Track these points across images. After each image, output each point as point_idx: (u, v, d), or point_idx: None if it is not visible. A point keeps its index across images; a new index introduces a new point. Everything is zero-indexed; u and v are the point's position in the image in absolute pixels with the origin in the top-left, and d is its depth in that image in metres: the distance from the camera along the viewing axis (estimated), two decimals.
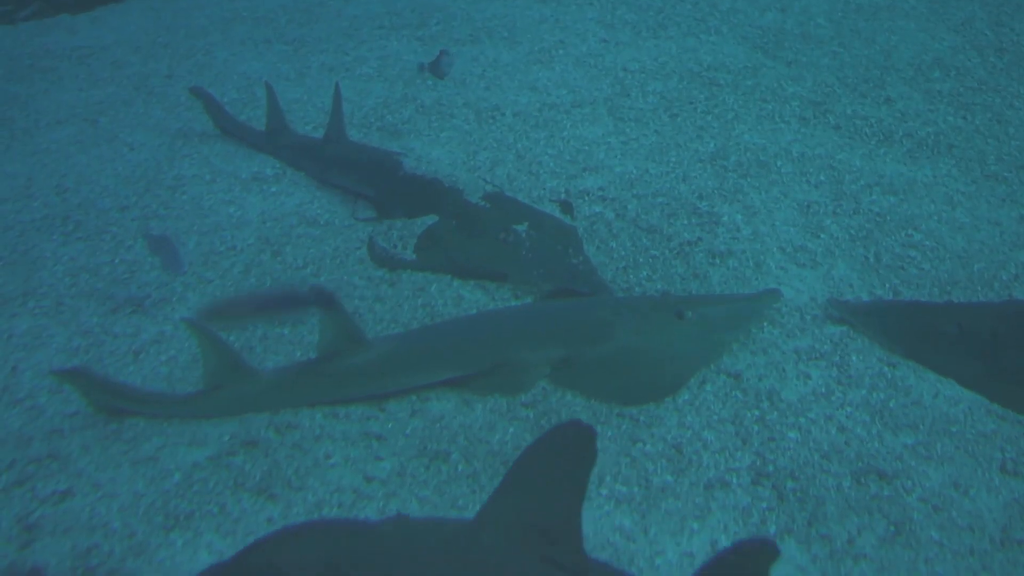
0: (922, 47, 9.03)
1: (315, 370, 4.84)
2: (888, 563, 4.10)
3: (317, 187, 6.85)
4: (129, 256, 6.06)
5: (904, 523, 4.28)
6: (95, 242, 6.19)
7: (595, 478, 4.43)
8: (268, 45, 9.21)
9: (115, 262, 5.99)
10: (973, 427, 4.85)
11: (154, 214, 6.50)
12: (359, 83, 8.38)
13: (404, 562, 2.99)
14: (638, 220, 6.43)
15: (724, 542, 4.15)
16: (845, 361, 5.25)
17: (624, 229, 6.34)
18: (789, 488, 4.45)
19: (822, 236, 6.34)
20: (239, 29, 9.56)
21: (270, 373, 4.90)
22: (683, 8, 9.93)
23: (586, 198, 6.66)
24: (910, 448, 4.71)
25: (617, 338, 5.11)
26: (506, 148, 7.35)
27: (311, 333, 5.23)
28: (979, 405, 4.99)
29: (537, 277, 5.70)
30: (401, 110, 7.91)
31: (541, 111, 7.90)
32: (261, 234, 6.29)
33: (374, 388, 4.86)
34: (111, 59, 8.92)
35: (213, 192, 6.78)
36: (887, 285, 5.91)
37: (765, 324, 5.48)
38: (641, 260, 6.05)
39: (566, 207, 6.33)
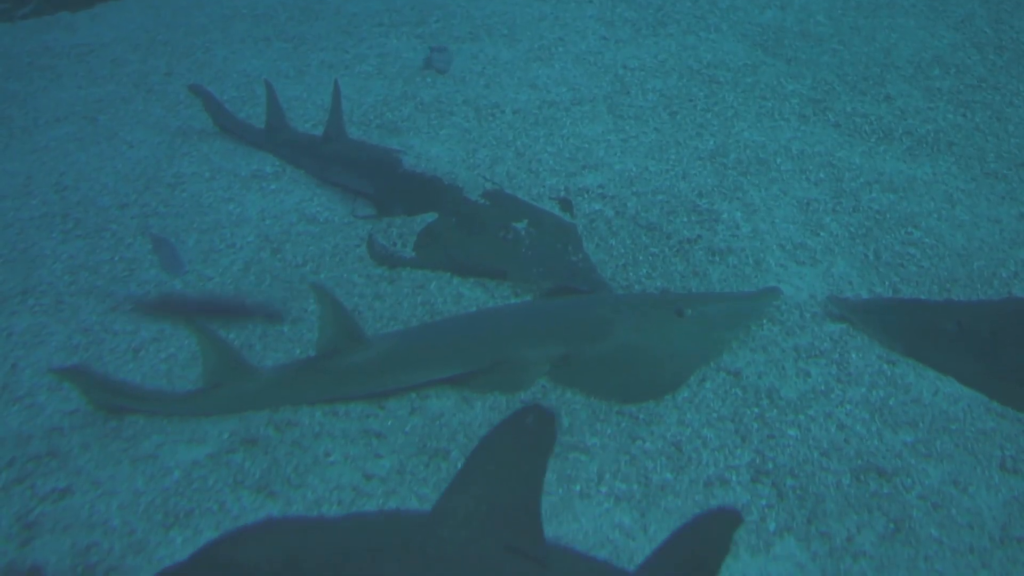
0: (922, 45, 9.03)
1: (315, 368, 4.84)
2: (888, 561, 4.10)
3: (316, 185, 6.85)
4: (129, 254, 6.05)
5: (904, 521, 4.28)
6: (94, 240, 6.19)
7: (595, 476, 4.44)
8: (268, 43, 9.20)
9: (115, 260, 5.99)
10: (973, 425, 4.85)
11: (153, 212, 6.49)
12: (358, 81, 8.38)
13: (361, 557, 2.99)
14: (638, 218, 6.43)
15: None
16: (845, 359, 5.25)
17: (624, 227, 6.33)
18: (789, 486, 4.45)
19: (822, 234, 6.34)
20: (239, 27, 9.56)
21: (269, 371, 4.90)
22: (683, 6, 9.92)
23: (586, 196, 6.66)
24: (910, 446, 4.71)
25: (617, 336, 5.11)
26: (506, 146, 7.35)
27: (310, 331, 5.23)
28: (979, 403, 4.99)
29: (536, 275, 5.70)
30: (400, 108, 7.90)
31: (541, 109, 7.90)
32: (260, 232, 6.29)
33: (373, 386, 4.86)
34: (110, 57, 8.91)
35: (212, 190, 6.77)
36: (887, 283, 5.91)
37: (765, 322, 5.48)
38: (641, 258, 6.04)
39: (566, 205, 6.33)
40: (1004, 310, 5.43)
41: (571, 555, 3.52)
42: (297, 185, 6.86)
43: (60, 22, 9.71)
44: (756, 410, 4.90)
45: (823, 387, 5.07)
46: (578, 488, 4.39)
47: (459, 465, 4.44)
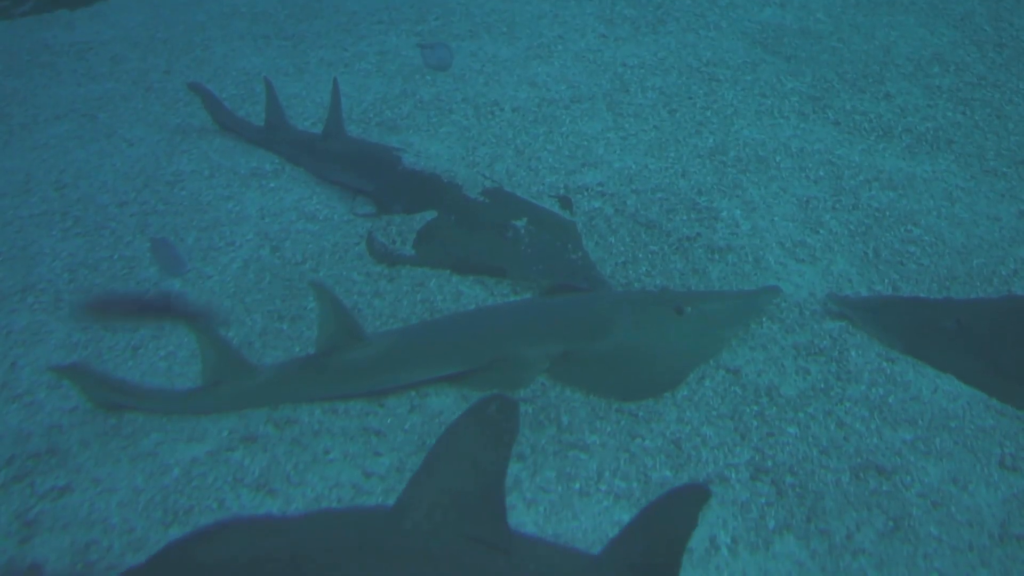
0: (921, 42, 9.02)
1: (314, 366, 4.84)
2: (887, 558, 4.10)
3: (316, 182, 6.84)
4: (128, 252, 6.06)
5: (903, 518, 4.28)
6: (94, 238, 6.19)
7: (594, 474, 4.45)
8: (267, 41, 9.20)
9: (114, 258, 5.99)
10: (972, 422, 4.85)
11: (153, 210, 6.49)
12: (358, 78, 8.38)
13: (323, 554, 3.00)
14: (637, 215, 6.43)
15: (723, 537, 4.16)
16: (844, 356, 5.25)
17: (623, 224, 6.33)
18: (788, 483, 4.45)
19: (821, 231, 6.34)
20: (238, 25, 9.55)
21: (269, 369, 4.90)
22: (682, 3, 9.92)
23: (585, 193, 6.66)
24: (909, 443, 4.71)
25: (616, 334, 5.10)
26: (505, 143, 7.35)
27: (310, 329, 5.23)
28: (978, 400, 4.99)
29: (536, 272, 5.70)
30: (400, 105, 7.90)
31: (540, 106, 7.89)
32: (260, 229, 6.29)
33: (373, 384, 4.86)
34: (110, 54, 8.91)
35: (212, 187, 6.77)
36: (886, 280, 5.91)
37: (764, 319, 5.48)
38: (640, 255, 6.04)
39: (565, 202, 6.34)
40: (1004, 308, 5.43)
41: (534, 542, 3.54)
42: (296, 183, 6.86)
43: (59, 19, 9.71)
44: (755, 408, 4.90)
45: (822, 385, 5.07)
46: (577, 486, 4.39)
47: None
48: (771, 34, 9.20)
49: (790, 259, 6.07)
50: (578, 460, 4.53)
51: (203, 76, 8.30)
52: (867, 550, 4.13)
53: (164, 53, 8.93)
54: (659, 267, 5.95)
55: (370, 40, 9.15)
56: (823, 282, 5.86)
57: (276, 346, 5.28)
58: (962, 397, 5.01)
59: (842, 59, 8.73)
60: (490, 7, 9.78)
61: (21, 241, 6.14)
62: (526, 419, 4.76)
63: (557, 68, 8.56)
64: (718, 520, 4.24)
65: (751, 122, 7.71)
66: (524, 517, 4.21)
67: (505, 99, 7.99)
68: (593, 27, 9.36)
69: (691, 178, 6.91)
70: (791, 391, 5.02)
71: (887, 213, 6.54)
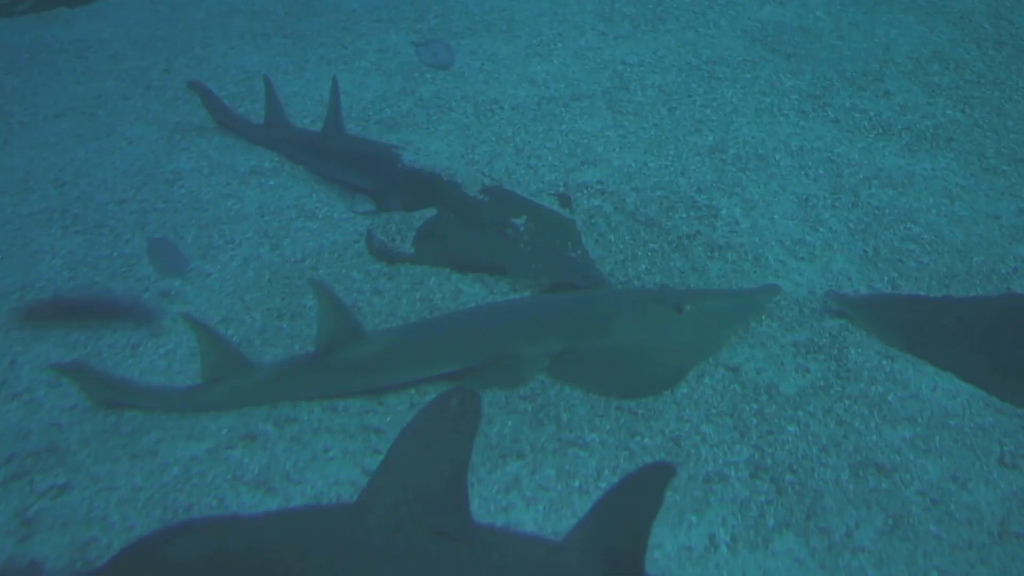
0: (921, 40, 9.02)
1: (314, 364, 4.84)
2: (886, 556, 4.10)
3: (315, 180, 6.84)
4: (127, 250, 6.05)
5: (902, 516, 4.29)
6: (93, 236, 6.19)
7: (594, 472, 4.45)
8: (266, 39, 9.19)
9: (113, 256, 5.99)
10: (971, 420, 4.85)
11: (152, 208, 6.49)
12: (357, 76, 8.37)
13: (288, 551, 3.01)
14: (637, 213, 6.43)
15: (722, 535, 4.16)
16: (843, 354, 5.25)
17: (623, 222, 6.33)
18: (787, 481, 4.45)
19: (821, 229, 6.34)
20: (237, 23, 9.54)
21: (268, 367, 4.90)
22: (682, 1, 9.90)
23: (585, 191, 6.65)
24: (908, 441, 4.71)
25: (615, 332, 5.11)
26: (505, 141, 7.34)
27: (309, 327, 5.23)
28: (977, 398, 5.00)
29: (536, 270, 5.70)
30: (399, 103, 7.90)
31: (540, 104, 7.89)
32: (259, 227, 6.29)
33: (372, 382, 4.86)
34: (109, 53, 8.90)
35: (211, 185, 6.77)
36: (886, 278, 5.91)
37: (763, 317, 5.48)
38: (640, 253, 6.04)
39: (565, 200, 6.33)
40: (1003, 306, 5.44)
41: (497, 532, 3.56)
42: (296, 181, 6.85)
43: (59, 18, 9.69)
44: (755, 406, 4.90)
45: (822, 383, 5.07)
46: (577, 484, 4.39)
47: None
48: (771, 32, 9.19)
49: (789, 257, 6.07)
50: (578, 458, 4.54)
51: (203, 74, 8.30)
52: (866, 548, 4.13)
53: (164, 51, 8.92)
54: (659, 265, 5.95)
55: (369, 38, 9.14)
56: (822, 280, 5.86)
57: (275, 344, 5.27)
58: (961, 395, 5.01)
59: (842, 57, 8.73)
60: (489, 5, 9.77)
61: (20, 239, 6.14)
62: (525, 417, 4.77)
63: (557, 66, 8.56)
64: (717, 518, 4.25)
65: (751, 120, 7.71)
66: (524, 515, 4.22)
67: (505, 97, 7.99)
68: (593, 25, 9.35)
69: (691, 176, 6.91)
70: (790, 389, 5.02)
71: (887, 211, 6.55)
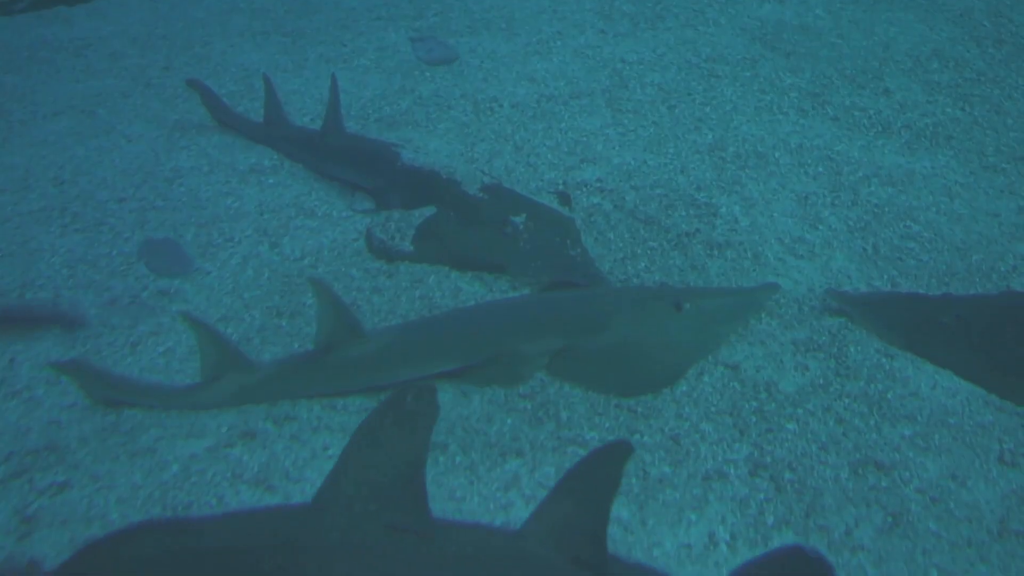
0: (921, 38, 9.02)
1: (313, 362, 4.84)
2: (886, 554, 4.10)
3: (315, 179, 6.84)
4: (127, 248, 6.05)
5: (902, 514, 4.29)
6: (93, 234, 6.19)
7: None
8: (266, 36, 9.19)
9: (113, 254, 5.99)
10: (971, 418, 4.85)
11: (151, 206, 6.49)
12: (357, 74, 8.37)
13: (242, 552, 3.02)
14: (636, 211, 6.42)
15: (722, 533, 4.16)
16: (843, 352, 5.25)
17: (622, 220, 6.33)
18: (787, 479, 4.45)
19: (820, 227, 6.34)
20: (237, 21, 9.54)
21: (268, 365, 4.90)
22: None
23: (584, 189, 6.65)
24: (908, 439, 4.71)
25: (615, 329, 5.11)
26: (504, 139, 7.34)
27: (309, 325, 5.23)
28: (977, 396, 5.00)
29: (535, 269, 5.70)
30: (399, 101, 7.89)
31: (539, 102, 7.89)
32: (259, 225, 6.29)
33: (372, 380, 4.86)
34: (109, 51, 8.89)
35: (211, 184, 6.77)
36: (885, 276, 5.91)
37: (763, 315, 5.48)
38: (639, 251, 6.04)
39: (564, 198, 6.33)
40: (1002, 304, 5.44)
41: (457, 526, 3.62)
42: (295, 179, 6.85)
43: (58, 16, 9.69)
44: (754, 404, 4.90)
45: (821, 381, 5.07)
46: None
47: (457, 459, 4.49)
48: (770, 30, 9.19)
49: (789, 255, 6.07)
50: (577, 456, 4.50)
51: (202, 72, 8.29)
52: (866, 546, 4.13)
53: (163, 49, 8.92)
54: (658, 263, 5.95)
55: (369, 36, 9.14)
56: (822, 278, 5.86)
57: (275, 342, 5.28)
58: (961, 393, 5.01)
59: (841, 55, 8.72)
60: (489, 3, 9.76)
61: (20, 237, 6.13)
62: (525, 415, 4.77)
63: (556, 64, 8.56)
64: (717, 516, 4.25)
65: (750, 118, 7.71)
66: (523, 513, 4.20)
67: (504, 95, 7.98)
68: (592, 23, 9.35)
69: (690, 174, 6.91)
70: (790, 387, 5.02)
71: (886, 209, 6.54)
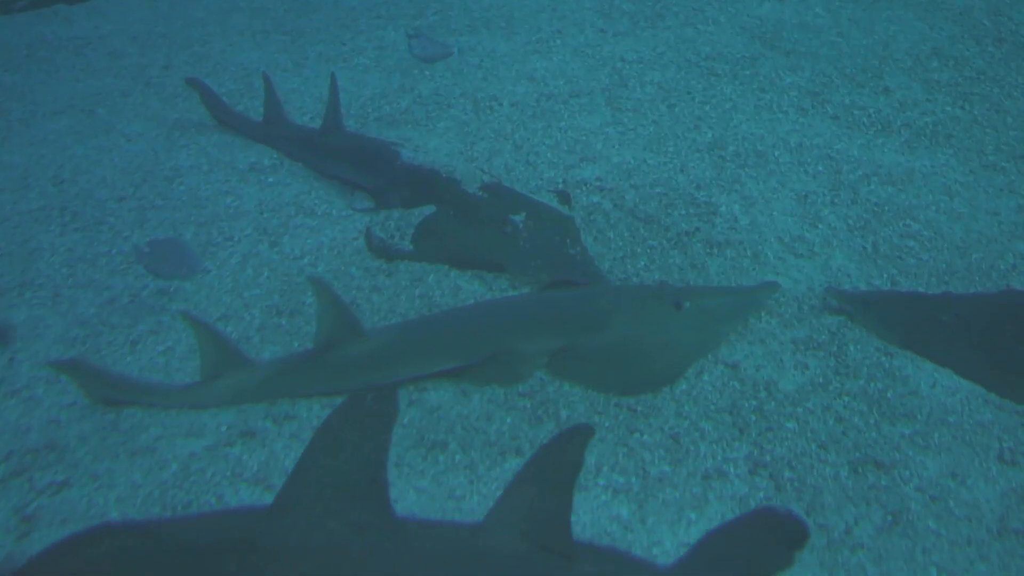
0: (920, 37, 9.01)
1: (313, 361, 4.84)
2: (886, 553, 4.10)
3: (315, 177, 6.84)
4: (126, 247, 6.05)
5: (902, 513, 4.29)
6: (92, 233, 6.19)
7: (592, 468, 4.45)
8: (266, 35, 9.19)
9: (112, 253, 5.99)
10: (971, 417, 4.85)
11: (151, 205, 6.49)
12: (356, 73, 8.37)
13: (201, 555, 3.03)
14: (636, 210, 6.42)
15: None
16: (843, 351, 5.25)
17: (622, 219, 6.33)
18: (786, 478, 4.45)
19: (820, 226, 6.34)
20: (237, 19, 9.54)
21: (267, 364, 4.90)
22: None
23: (584, 188, 6.65)
24: (908, 438, 4.71)
25: (614, 328, 5.11)
26: (504, 138, 7.34)
27: (308, 324, 5.23)
28: (977, 395, 5.00)
29: (535, 267, 5.70)
30: (398, 100, 7.89)
31: (539, 101, 7.88)
32: (258, 224, 6.29)
33: (372, 378, 4.85)
34: (108, 50, 8.89)
35: (210, 182, 6.77)
36: (885, 275, 5.91)
37: (763, 314, 5.48)
38: (639, 250, 6.04)
39: (564, 197, 6.33)
40: (1002, 302, 5.44)
41: (419, 523, 3.63)
42: (295, 178, 6.85)
43: (57, 14, 9.69)
44: (754, 403, 4.90)
45: (821, 379, 5.07)
46: (576, 480, 4.38)
47: (456, 458, 4.49)
48: (770, 29, 9.18)
49: (789, 254, 6.06)
50: None
51: (202, 71, 8.29)
52: (866, 544, 4.13)
53: (163, 48, 8.92)
54: (658, 262, 5.95)
55: (368, 35, 9.14)
56: (822, 277, 5.86)
57: (274, 341, 5.28)
58: (961, 391, 5.01)
59: (841, 54, 8.72)
60: (488, 2, 9.76)
61: (19, 236, 6.14)
62: (524, 414, 4.77)
63: (556, 63, 8.55)
64: (717, 514, 4.25)
65: (750, 117, 7.70)
66: None
67: (503, 94, 7.98)
68: (592, 22, 9.34)
69: (690, 173, 6.90)
70: (789, 386, 5.02)
71: (886, 208, 6.54)
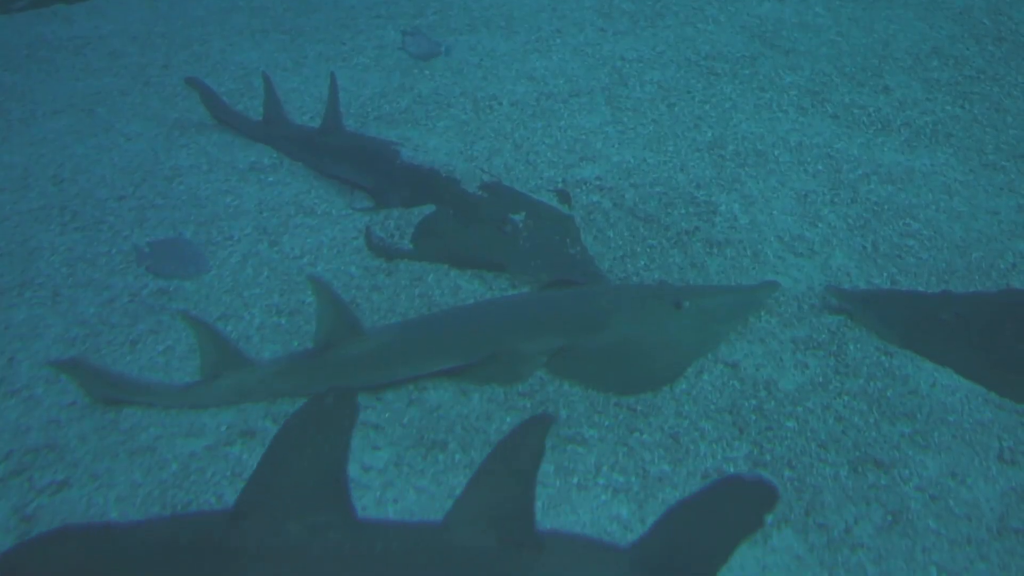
0: (920, 36, 9.01)
1: (312, 360, 4.83)
2: (885, 552, 4.10)
3: (314, 177, 6.84)
4: (126, 246, 6.05)
5: (901, 512, 4.29)
6: (92, 232, 6.19)
7: (592, 468, 4.45)
8: (265, 35, 9.19)
9: (112, 252, 5.99)
10: (970, 416, 4.85)
11: (151, 204, 6.49)
12: (356, 72, 8.37)
13: (158, 558, 3.04)
14: (635, 209, 6.42)
15: None
16: (842, 350, 5.25)
17: (621, 219, 6.33)
18: (786, 477, 4.45)
19: (820, 225, 6.34)
20: (236, 19, 9.54)
21: (267, 363, 4.90)
22: None
23: (583, 187, 6.65)
24: (907, 437, 4.71)
25: (614, 328, 5.11)
26: (503, 138, 7.34)
27: (308, 323, 5.23)
28: (976, 394, 5.00)
29: (534, 267, 5.70)
30: (398, 99, 7.89)
31: (539, 101, 7.88)
32: (258, 224, 6.29)
33: (371, 378, 4.85)
34: (108, 49, 8.90)
35: (210, 182, 6.77)
36: (884, 274, 5.91)
37: (762, 313, 5.48)
38: (639, 250, 6.04)
39: (563, 196, 6.33)
40: (1002, 301, 5.44)
41: (381, 523, 3.68)
42: (295, 177, 6.85)
43: (57, 14, 9.69)
44: (754, 402, 4.90)
45: (821, 379, 5.07)
46: (576, 480, 4.39)
47: (456, 457, 4.49)
48: (770, 28, 9.19)
49: (788, 253, 6.06)
50: (576, 454, 4.54)
51: (201, 71, 8.29)
52: (865, 544, 4.14)
53: (162, 48, 8.92)
54: (657, 261, 5.95)
55: (368, 34, 9.14)
56: (821, 276, 5.86)
57: (274, 340, 5.28)
58: (960, 390, 5.01)
59: (841, 53, 8.72)
60: (488, 1, 9.76)
61: (19, 236, 6.14)
62: (524, 413, 4.77)
63: (555, 62, 8.56)
64: None
65: (750, 116, 7.71)
66: None
67: (503, 93, 7.98)
68: (591, 21, 9.35)
69: (689, 172, 6.90)
70: (789, 385, 5.02)
71: (886, 207, 6.54)
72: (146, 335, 5.30)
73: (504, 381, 4.94)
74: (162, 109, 7.81)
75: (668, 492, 4.35)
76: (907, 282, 5.84)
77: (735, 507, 3.37)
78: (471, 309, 5.40)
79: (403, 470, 4.42)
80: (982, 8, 9.48)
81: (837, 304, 5.53)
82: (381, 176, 6.46)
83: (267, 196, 6.60)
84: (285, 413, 4.68)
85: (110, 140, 7.33)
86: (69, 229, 6.22)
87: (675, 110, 7.78)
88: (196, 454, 4.49)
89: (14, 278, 5.73)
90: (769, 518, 3.67)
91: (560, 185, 6.63)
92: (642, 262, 5.94)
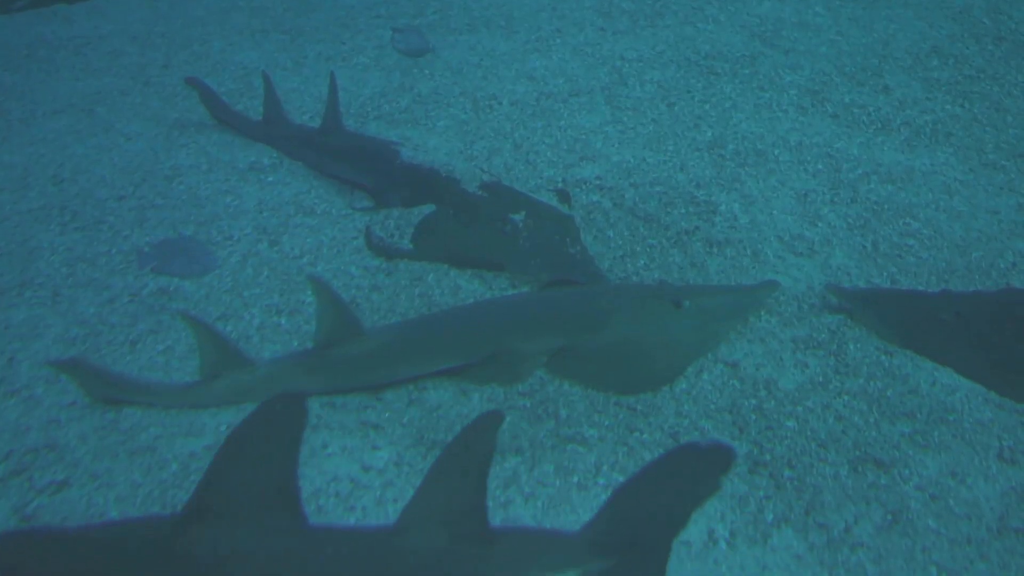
0: (920, 35, 9.01)
1: (312, 360, 4.83)
2: (885, 551, 4.10)
3: (314, 176, 6.84)
4: (126, 246, 6.05)
5: (901, 512, 4.29)
6: (92, 232, 6.18)
7: (592, 467, 4.45)
8: (265, 35, 9.19)
9: (112, 252, 5.98)
10: (970, 415, 4.85)
11: (151, 204, 6.48)
12: (356, 72, 8.37)
13: (108, 564, 3.05)
14: (635, 209, 6.42)
15: (721, 531, 4.16)
16: (842, 350, 5.25)
17: (621, 218, 6.33)
18: (786, 477, 4.45)
19: (820, 225, 6.34)
20: (236, 19, 9.54)
21: (267, 363, 4.89)
22: None
23: (583, 187, 6.65)
24: (907, 437, 4.71)
25: (614, 327, 5.11)
26: (503, 137, 7.34)
27: (308, 323, 5.23)
28: (976, 393, 5.00)
29: (534, 267, 5.70)
30: (398, 99, 7.89)
31: (538, 100, 7.88)
32: (258, 223, 6.28)
33: (371, 378, 4.86)
34: (108, 49, 8.89)
35: (210, 182, 6.77)
36: (884, 274, 5.91)
37: (762, 313, 5.48)
38: (638, 249, 6.04)
39: (563, 196, 6.33)
40: (1002, 301, 5.44)
41: (335, 525, 3.70)
42: (295, 177, 6.85)
43: (57, 14, 9.69)
44: (754, 401, 4.90)
45: (821, 378, 5.07)
46: (576, 479, 4.39)
47: None
48: (769, 27, 9.19)
49: (788, 252, 6.06)
50: (576, 454, 4.54)
51: (201, 70, 8.29)
52: (865, 543, 4.14)
53: (162, 47, 8.92)
54: (657, 261, 5.95)
55: (368, 34, 9.14)
56: (821, 275, 5.86)
57: (274, 340, 5.27)
58: (960, 390, 5.01)
59: (840, 52, 8.72)
60: (488, 1, 9.76)
61: (19, 236, 6.13)
62: (524, 413, 4.77)
63: (555, 62, 8.56)
64: (716, 513, 4.24)
65: (749, 115, 7.71)
66: (522, 511, 4.22)
67: (503, 93, 7.98)
68: (591, 21, 9.35)
69: (689, 172, 6.90)
70: (789, 385, 5.02)
71: (886, 206, 6.54)
72: (146, 335, 5.30)
73: (504, 381, 4.94)
74: (162, 109, 7.81)
75: None
76: (907, 281, 5.84)
77: (690, 474, 3.40)
78: (471, 309, 5.40)
79: (403, 470, 4.42)
80: (982, 7, 9.49)
81: (837, 303, 5.53)
82: (381, 176, 6.47)
83: (267, 196, 6.60)
84: None
85: (110, 140, 7.33)
86: (69, 229, 6.21)
87: (675, 110, 7.78)
88: (196, 454, 4.49)
89: (14, 278, 5.73)
90: (724, 480, 3.68)
91: (560, 185, 6.63)
92: (642, 262, 5.94)
